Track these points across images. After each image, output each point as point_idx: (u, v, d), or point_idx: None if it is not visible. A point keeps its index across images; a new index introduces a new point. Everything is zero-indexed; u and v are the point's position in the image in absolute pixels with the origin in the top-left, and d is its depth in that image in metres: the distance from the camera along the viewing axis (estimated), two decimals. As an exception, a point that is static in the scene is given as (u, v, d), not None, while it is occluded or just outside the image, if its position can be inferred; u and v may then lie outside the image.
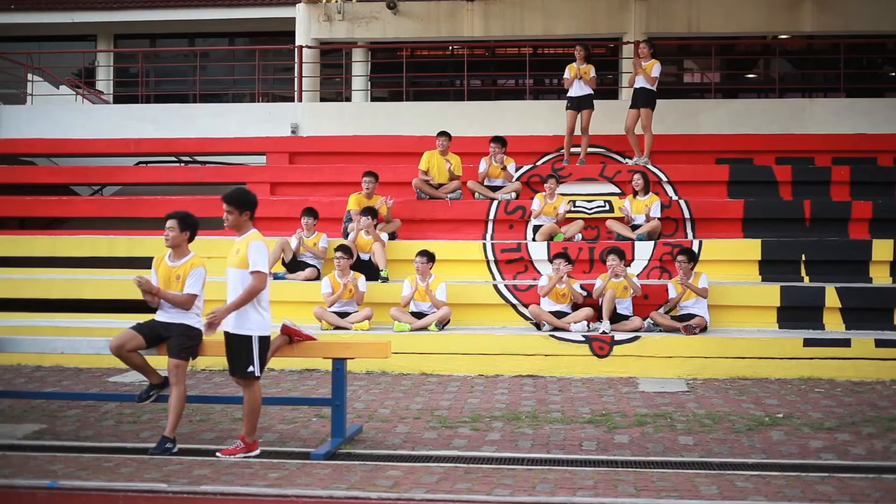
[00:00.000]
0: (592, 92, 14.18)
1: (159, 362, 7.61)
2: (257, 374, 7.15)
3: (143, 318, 7.86)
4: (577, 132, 14.19)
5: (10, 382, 10.17)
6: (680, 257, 11.39)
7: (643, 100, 13.85)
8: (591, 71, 14.14)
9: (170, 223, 7.52)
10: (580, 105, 14.10)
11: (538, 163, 14.41)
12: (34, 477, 6.37)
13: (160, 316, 7.55)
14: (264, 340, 7.18)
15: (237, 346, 7.10)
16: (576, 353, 10.77)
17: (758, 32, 18.83)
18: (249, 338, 7.08)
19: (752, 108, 15.92)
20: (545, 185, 12.93)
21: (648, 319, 11.20)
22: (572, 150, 14.30)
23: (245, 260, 7.03)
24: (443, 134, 13.60)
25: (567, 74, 14.19)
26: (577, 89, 14.13)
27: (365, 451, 7.34)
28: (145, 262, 8.09)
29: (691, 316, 11.08)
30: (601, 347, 10.77)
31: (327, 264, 12.26)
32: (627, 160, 14.23)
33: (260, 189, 14.46)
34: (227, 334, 7.16)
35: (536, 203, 12.89)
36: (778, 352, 10.61)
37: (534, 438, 7.71)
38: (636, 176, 12.81)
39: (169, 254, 7.57)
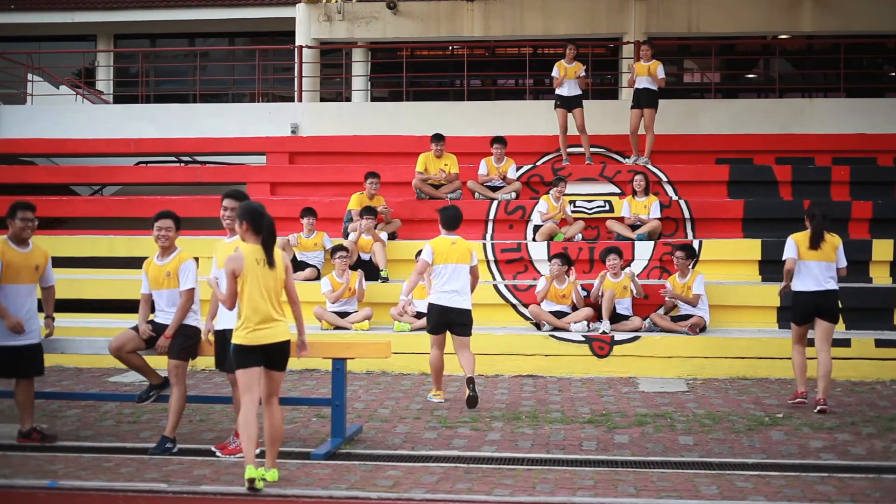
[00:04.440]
0: (581, 92, 14.15)
1: (159, 363, 7.61)
2: None
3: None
4: (571, 131, 14.14)
5: (11, 382, 10.15)
6: (678, 253, 11.38)
7: (647, 100, 13.82)
8: (580, 70, 14.09)
9: (165, 223, 7.47)
10: (570, 104, 14.05)
11: (538, 163, 14.40)
12: (34, 477, 6.38)
13: (159, 317, 7.54)
14: None
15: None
16: (576, 353, 10.77)
17: (758, 32, 18.82)
18: None
19: (752, 108, 15.91)
20: (556, 188, 12.85)
21: (648, 320, 11.19)
22: (570, 148, 14.28)
23: None
24: (437, 138, 13.54)
25: (556, 73, 14.11)
26: (568, 88, 14.08)
27: (365, 451, 7.34)
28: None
29: (691, 317, 11.07)
30: (601, 347, 10.77)
31: (327, 264, 12.27)
32: (626, 160, 14.23)
33: (260, 189, 14.47)
34: (219, 332, 7.12)
35: (543, 205, 12.86)
36: (778, 352, 10.60)
37: (534, 438, 7.71)
38: (638, 177, 12.78)
39: (157, 253, 7.54)
